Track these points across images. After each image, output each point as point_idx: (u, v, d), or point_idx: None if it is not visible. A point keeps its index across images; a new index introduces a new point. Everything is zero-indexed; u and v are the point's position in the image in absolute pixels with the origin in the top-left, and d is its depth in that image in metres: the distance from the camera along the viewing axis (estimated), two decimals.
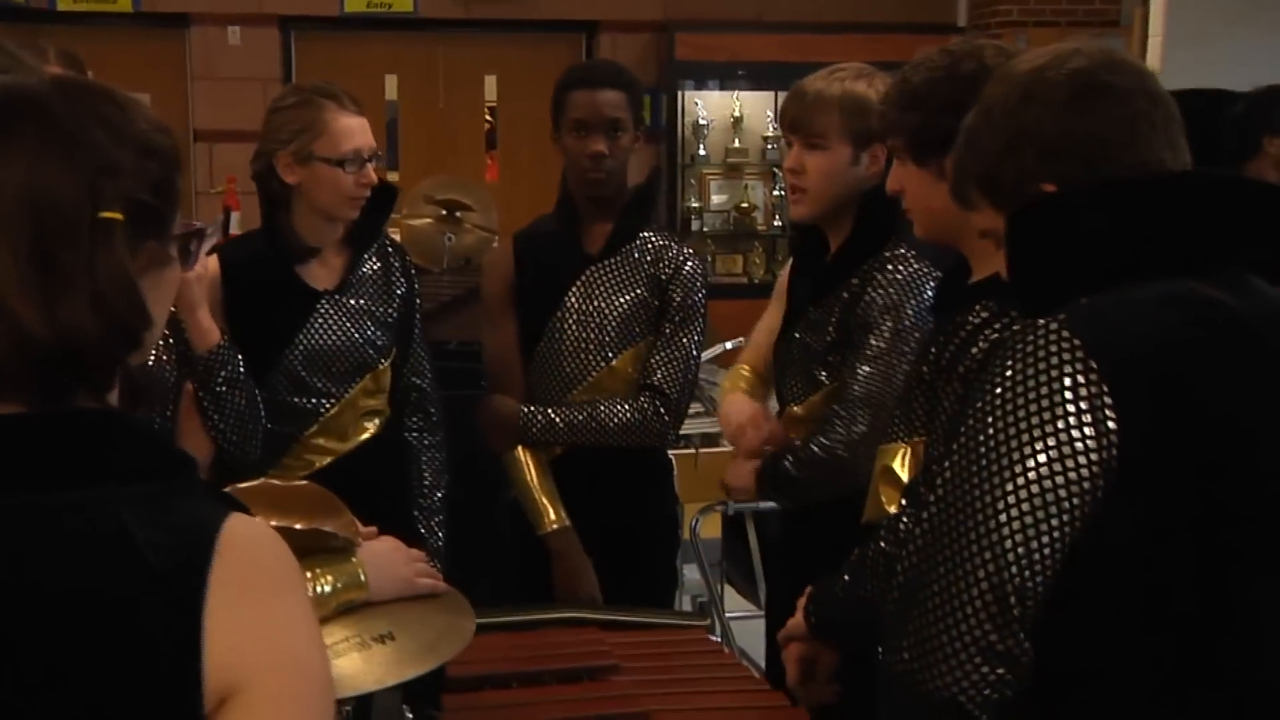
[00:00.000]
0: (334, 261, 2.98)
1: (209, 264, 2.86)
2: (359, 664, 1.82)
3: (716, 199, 8.99)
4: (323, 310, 2.94)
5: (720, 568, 4.60)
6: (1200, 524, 1.49)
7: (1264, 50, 6.72)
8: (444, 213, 6.28)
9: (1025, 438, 1.49)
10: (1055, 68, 1.67)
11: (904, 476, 2.27)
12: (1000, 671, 1.50)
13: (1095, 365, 1.48)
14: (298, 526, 1.91)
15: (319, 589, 1.85)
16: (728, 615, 4.45)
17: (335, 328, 2.94)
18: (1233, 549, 1.51)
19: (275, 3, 8.60)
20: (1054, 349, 1.50)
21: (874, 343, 2.64)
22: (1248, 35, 6.87)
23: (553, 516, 3.09)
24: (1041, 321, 1.53)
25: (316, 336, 2.93)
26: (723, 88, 8.84)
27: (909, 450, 2.28)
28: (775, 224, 9.06)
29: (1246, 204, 1.64)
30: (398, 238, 6.70)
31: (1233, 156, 3.61)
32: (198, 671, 1.08)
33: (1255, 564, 1.52)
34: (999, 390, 1.53)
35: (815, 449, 2.69)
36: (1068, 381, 1.48)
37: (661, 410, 3.08)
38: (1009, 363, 1.53)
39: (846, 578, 2.26)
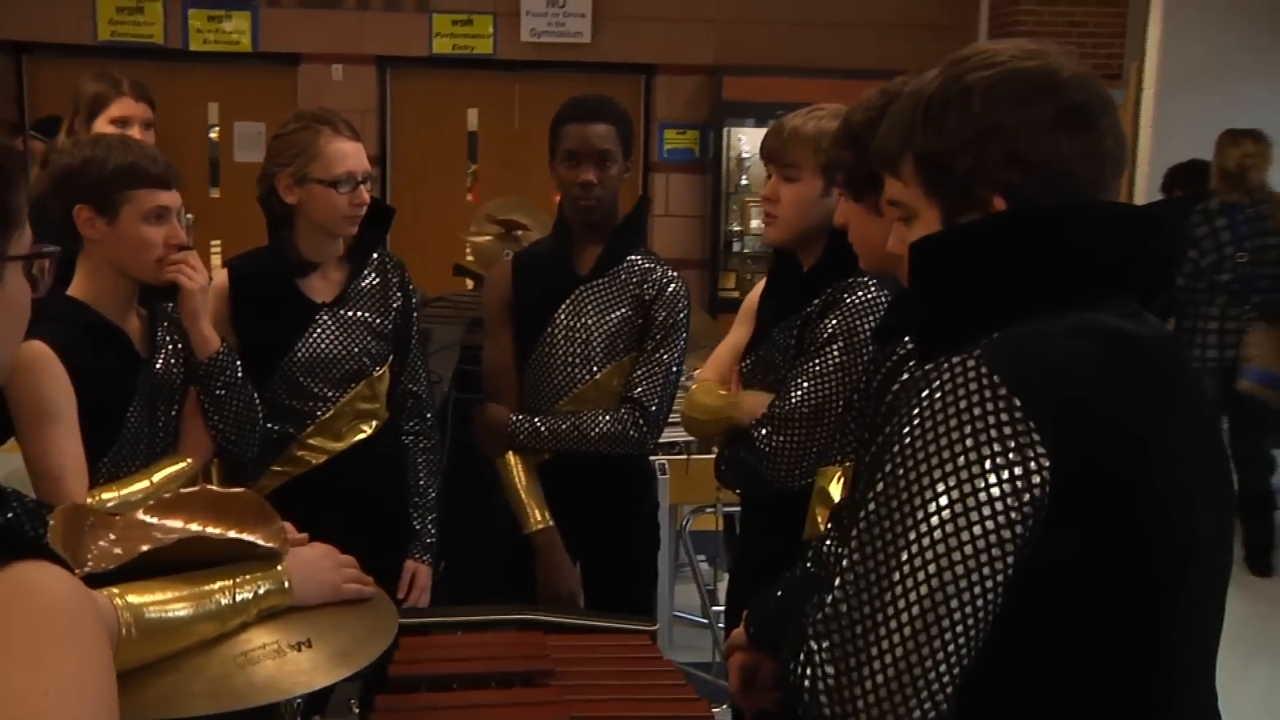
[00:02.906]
0: (334, 276, 2.81)
1: (219, 276, 2.72)
2: (272, 672, 1.61)
3: (756, 224, 8.76)
4: (321, 321, 2.77)
5: (718, 560, 4.40)
6: (1133, 554, 1.27)
7: (1257, 101, 6.41)
8: (504, 230, 6.12)
9: (938, 474, 1.23)
10: (1046, 74, 1.36)
11: (836, 498, 2.06)
12: None
13: (1019, 404, 1.22)
14: (231, 534, 1.72)
15: (238, 596, 1.66)
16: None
17: (333, 337, 2.77)
18: (1162, 579, 1.29)
19: (373, 44, 8.52)
20: (973, 387, 1.24)
21: (819, 363, 2.41)
22: (1239, 87, 6.56)
23: (537, 517, 2.91)
24: (956, 359, 1.27)
25: (315, 345, 2.76)
26: (764, 125, 8.58)
27: (843, 472, 2.08)
28: None
29: (1130, 232, 1.38)
30: (468, 253, 6.66)
31: None
32: None
33: (1179, 593, 1.32)
34: (912, 429, 1.26)
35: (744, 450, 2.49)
36: (991, 420, 1.22)
37: (640, 421, 2.88)
38: (923, 402, 1.27)
39: (780, 593, 2.05)
